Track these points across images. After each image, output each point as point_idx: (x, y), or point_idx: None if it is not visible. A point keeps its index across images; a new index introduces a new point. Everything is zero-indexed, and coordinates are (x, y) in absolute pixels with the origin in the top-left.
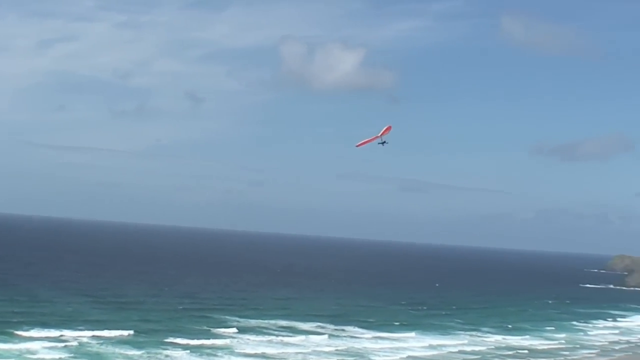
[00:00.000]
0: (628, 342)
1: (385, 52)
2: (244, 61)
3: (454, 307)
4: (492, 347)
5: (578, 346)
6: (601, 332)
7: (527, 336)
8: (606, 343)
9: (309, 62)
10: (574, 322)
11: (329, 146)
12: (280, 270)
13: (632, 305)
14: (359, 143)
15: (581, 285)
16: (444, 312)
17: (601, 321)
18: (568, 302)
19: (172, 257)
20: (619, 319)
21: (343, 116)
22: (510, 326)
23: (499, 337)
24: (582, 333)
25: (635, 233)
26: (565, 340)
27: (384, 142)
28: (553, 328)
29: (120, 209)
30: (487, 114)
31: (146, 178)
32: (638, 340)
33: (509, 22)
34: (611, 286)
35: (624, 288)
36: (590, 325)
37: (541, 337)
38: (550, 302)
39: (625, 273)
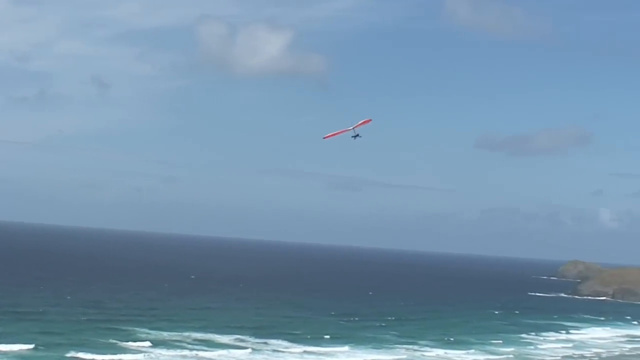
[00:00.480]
0: (582, 356)
1: (315, 34)
2: (157, 43)
3: (390, 317)
4: None
5: None
6: (552, 345)
7: (472, 350)
8: (558, 357)
9: (229, 44)
10: (523, 335)
11: (251, 138)
12: (195, 276)
13: (585, 316)
14: (328, 135)
15: (530, 293)
16: (378, 324)
17: (552, 333)
18: (516, 312)
19: (75, 262)
20: (571, 331)
21: (267, 104)
22: (452, 339)
23: (439, 351)
24: (531, 347)
25: (590, 236)
26: (513, 355)
27: (357, 135)
28: (500, 341)
29: (16, 207)
30: (428, 104)
31: (46, 173)
32: (593, 355)
33: (454, 2)
34: (563, 295)
35: (576, 297)
36: (540, 338)
37: (486, 351)
38: (496, 312)
39: (579, 280)
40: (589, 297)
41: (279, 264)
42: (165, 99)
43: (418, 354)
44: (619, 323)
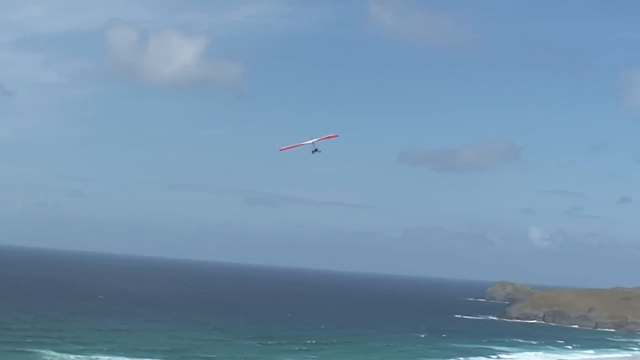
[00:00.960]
0: None
1: (231, 41)
2: (64, 49)
3: (309, 341)
4: None
5: None
6: None
7: None
8: None
9: (141, 51)
10: (446, 358)
11: (162, 150)
12: (103, 296)
13: (515, 340)
14: (284, 147)
15: (457, 315)
16: (297, 347)
17: (481, 358)
18: (443, 336)
19: None
20: (501, 356)
21: (180, 115)
22: None
23: None
24: None
25: (519, 256)
26: None
27: (317, 149)
28: None
29: None
30: (349, 116)
31: None
32: None
33: (378, 8)
34: (491, 317)
35: (505, 320)
36: None
37: None
38: (422, 335)
39: (507, 302)
40: (519, 320)
41: (192, 283)
42: (73, 109)
43: None
44: (551, 347)
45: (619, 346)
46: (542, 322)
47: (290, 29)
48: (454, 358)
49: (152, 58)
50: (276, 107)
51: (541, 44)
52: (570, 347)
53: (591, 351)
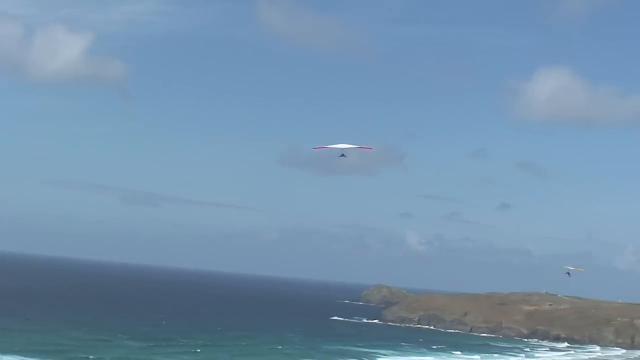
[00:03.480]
0: None
1: (117, 39)
2: None
3: (191, 342)
4: None
5: None
6: None
7: None
8: None
9: (23, 46)
10: None
11: (40, 146)
12: None
13: (390, 344)
14: (318, 147)
15: (333, 318)
16: (183, 350)
17: None
18: (318, 339)
19: None
20: (368, 358)
21: (62, 112)
22: None
23: None
24: None
25: (396, 260)
26: None
27: (343, 155)
28: None
29: None
30: (232, 116)
31: None
32: None
33: (267, 9)
34: (366, 320)
35: (381, 323)
36: None
37: None
38: (296, 338)
39: (383, 306)
40: (394, 324)
41: (68, 281)
42: None
43: None
44: (424, 350)
45: (502, 352)
46: (418, 325)
47: (178, 28)
48: None
49: (34, 54)
50: (160, 107)
51: (427, 50)
52: (443, 350)
53: (477, 357)
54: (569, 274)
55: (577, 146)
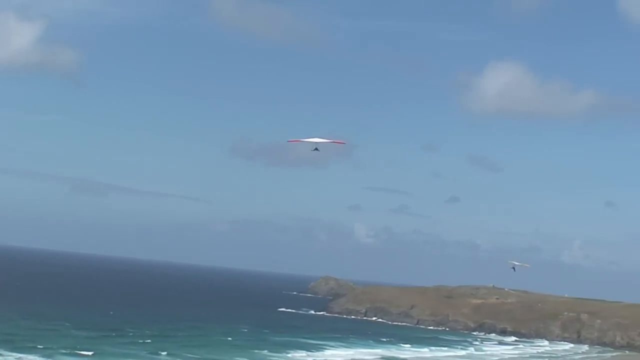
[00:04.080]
0: None
1: (69, 27)
2: None
3: (131, 332)
4: None
5: None
6: None
7: None
8: None
9: None
10: (271, 354)
11: None
12: None
13: (336, 335)
14: (292, 139)
15: (280, 309)
16: (141, 340)
17: (302, 352)
18: (266, 330)
19: None
20: (322, 350)
21: (10, 100)
22: (187, 354)
23: None
24: None
25: (344, 252)
26: None
27: (317, 149)
28: (244, 359)
29: None
30: (184, 107)
31: None
32: None
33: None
34: (313, 312)
35: (327, 314)
36: (289, 356)
37: None
38: (244, 329)
39: (330, 297)
40: (341, 315)
41: (14, 270)
42: None
43: None
44: (371, 342)
45: (451, 345)
46: (365, 317)
47: (131, 17)
48: (276, 352)
49: None
50: (111, 96)
51: (379, 43)
52: (390, 342)
53: (426, 349)
54: (514, 268)
55: (526, 140)
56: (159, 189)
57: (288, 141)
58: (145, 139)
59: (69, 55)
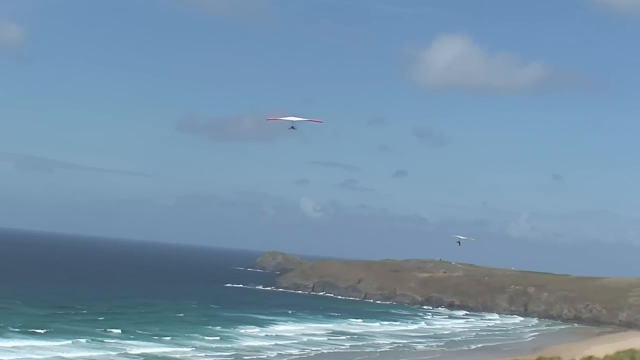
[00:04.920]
0: (289, 354)
1: (13, 1)
2: None
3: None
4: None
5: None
6: (255, 342)
7: (171, 347)
8: (263, 354)
9: None
10: (221, 329)
11: None
12: None
13: (285, 310)
14: (270, 118)
15: (228, 285)
16: (92, 318)
17: (251, 327)
18: (213, 305)
19: None
20: (271, 325)
21: None
22: (142, 333)
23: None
24: (230, 342)
25: (291, 227)
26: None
27: (293, 127)
28: (197, 335)
29: None
30: (130, 81)
31: None
32: (301, 352)
33: None
34: (261, 287)
35: (275, 289)
36: (239, 331)
37: (181, 344)
38: (194, 305)
39: (277, 272)
40: (288, 290)
41: None
42: None
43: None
44: (321, 317)
45: (401, 319)
46: (312, 292)
47: None
48: (224, 327)
49: None
50: (56, 71)
51: (325, 15)
52: (338, 316)
53: (377, 324)
54: (459, 242)
55: (474, 114)
56: (105, 165)
57: (266, 119)
58: (91, 114)
59: (13, 30)
